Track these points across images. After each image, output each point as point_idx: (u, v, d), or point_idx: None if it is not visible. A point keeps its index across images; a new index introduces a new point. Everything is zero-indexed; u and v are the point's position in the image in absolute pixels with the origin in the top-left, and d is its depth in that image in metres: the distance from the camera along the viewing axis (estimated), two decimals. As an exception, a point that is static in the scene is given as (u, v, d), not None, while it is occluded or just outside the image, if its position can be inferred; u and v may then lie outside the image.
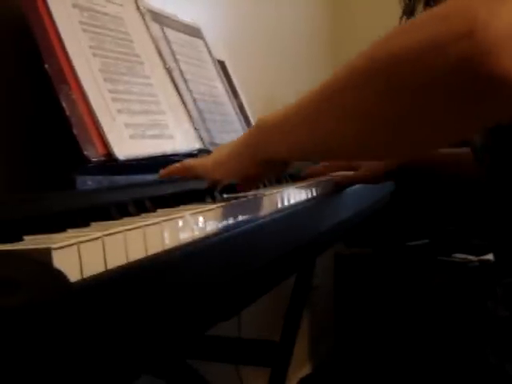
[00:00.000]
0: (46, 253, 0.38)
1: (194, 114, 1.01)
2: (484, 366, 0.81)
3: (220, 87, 1.20)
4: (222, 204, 0.63)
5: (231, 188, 0.86)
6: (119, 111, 0.81)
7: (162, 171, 0.74)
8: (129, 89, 0.85)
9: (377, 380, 2.12)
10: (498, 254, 0.85)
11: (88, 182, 0.72)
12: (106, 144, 0.76)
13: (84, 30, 0.81)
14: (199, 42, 1.20)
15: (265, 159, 0.64)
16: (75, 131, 0.73)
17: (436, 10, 0.48)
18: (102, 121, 0.77)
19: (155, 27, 1.02)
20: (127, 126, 0.81)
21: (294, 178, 1.02)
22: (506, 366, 0.78)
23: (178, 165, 0.74)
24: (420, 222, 2.22)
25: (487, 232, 0.85)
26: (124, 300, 0.42)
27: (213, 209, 0.60)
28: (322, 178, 1.01)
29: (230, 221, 0.63)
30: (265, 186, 0.92)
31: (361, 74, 0.51)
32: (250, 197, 0.71)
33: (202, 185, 0.80)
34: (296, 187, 0.86)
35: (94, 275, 0.41)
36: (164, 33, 1.05)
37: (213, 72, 1.20)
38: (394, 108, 0.49)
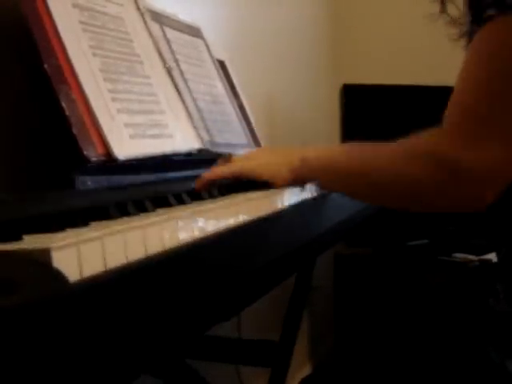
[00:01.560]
0: (46, 253, 0.38)
1: (194, 113, 1.01)
2: (486, 365, 0.82)
3: (220, 87, 1.20)
4: (222, 204, 0.63)
5: (231, 188, 0.86)
6: (119, 111, 0.81)
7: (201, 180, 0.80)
8: (128, 88, 0.85)
9: (377, 380, 2.12)
10: (502, 252, 0.85)
11: (88, 182, 0.72)
12: (105, 144, 0.76)
13: (84, 30, 0.81)
14: (199, 41, 1.20)
15: (301, 180, 0.84)
16: (75, 131, 0.73)
17: (432, 147, 0.68)
18: (101, 121, 0.76)
19: (155, 27, 1.02)
20: (127, 125, 0.81)
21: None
22: (507, 363, 0.79)
23: (223, 169, 0.84)
24: (420, 221, 2.22)
25: (490, 230, 0.87)
26: (123, 300, 0.42)
27: (213, 209, 0.60)
28: None
29: (230, 221, 0.63)
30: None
31: (378, 178, 0.76)
32: (249, 197, 0.71)
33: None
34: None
35: (94, 275, 0.41)
36: (164, 32, 1.05)
37: (213, 72, 1.20)
38: (397, 202, 0.78)
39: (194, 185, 0.78)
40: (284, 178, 0.82)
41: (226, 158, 0.88)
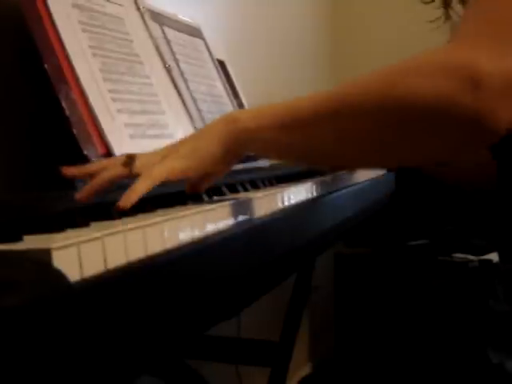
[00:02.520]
0: (46, 253, 0.38)
1: (194, 113, 1.01)
2: (485, 366, 0.82)
3: (220, 87, 1.20)
4: (222, 204, 0.63)
5: (231, 188, 0.86)
6: (119, 111, 0.81)
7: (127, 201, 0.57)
8: (128, 88, 0.85)
9: (377, 380, 2.12)
10: (501, 253, 0.85)
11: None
12: (105, 144, 0.76)
13: (84, 30, 0.81)
14: (199, 41, 1.20)
15: (240, 155, 0.66)
16: (75, 131, 0.73)
17: (443, 59, 0.55)
18: (101, 120, 0.77)
19: (155, 27, 1.02)
20: (127, 125, 0.81)
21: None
22: (506, 363, 0.79)
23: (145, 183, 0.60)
24: (420, 221, 2.22)
25: (490, 230, 0.87)
26: (124, 300, 0.42)
27: (213, 209, 0.60)
28: (323, 178, 1.01)
29: (230, 221, 0.63)
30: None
31: (371, 108, 0.56)
32: (249, 197, 0.71)
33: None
34: (296, 187, 0.86)
35: (94, 275, 0.41)
36: (164, 32, 1.05)
37: (213, 72, 1.20)
38: (401, 141, 0.57)
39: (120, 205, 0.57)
40: (217, 159, 0.64)
41: (127, 161, 0.63)
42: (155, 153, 0.65)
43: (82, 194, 0.59)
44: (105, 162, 0.66)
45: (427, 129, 0.55)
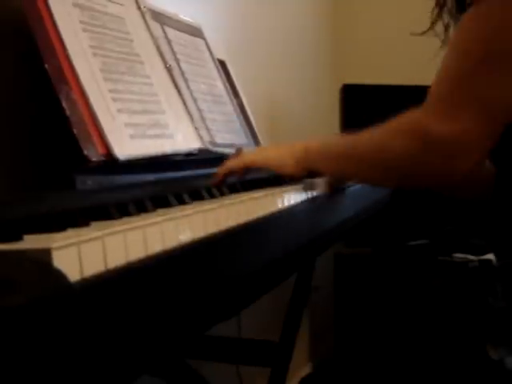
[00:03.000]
0: (46, 252, 0.38)
1: (195, 113, 1.01)
2: (485, 363, 0.83)
3: (220, 87, 1.20)
4: (223, 204, 0.63)
5: (231, 188, 0.86)
6: (119, 111, 0.81)
7: (219, 173, 0.89)
8: (129, 88, 0.85)
9: (377, 380, 2.12)
10: (499, 252, 0.86)
11: (88, 182, 0.72)
12: (106, 144, 0.76)
13: (84, 30, 0.81)
14: (200, 41, 1.20)
15: (305, 169, 0.91)
16: (75, 131, 0.73)
17: (412, 123, 0.75)
18: (102, 120, 0.76)
19: (156, 26, 1.02)
20: (127, 125, 0.81)
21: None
22: (505, 360, 0.79)
23: (237, 162, 0.91)
24: (420, 221, 2.22)
25: (488, 231, 0.88)
26: (124, 300, 0.42)
27: (213, 209, 0.60)
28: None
29: (230, 221, 0.63)
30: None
31: (369, 156, 0.83)
32: (250, 197, 0.71)
33: (201, 184, 0.80)
34: (296, 187, 0.87)
35: (94, 275, 0.41)
36: (164, 32, 1.05)
37: (213, 71, 1.20)
38: (381, 177, 0.84)
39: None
40: (289, 167, 0.89)
41: (237, 151, 0.95)
42: (255, 149, 1.03)
43: (215, 180, 0.87)
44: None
45: (403, 174, 0.79)
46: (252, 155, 0.94)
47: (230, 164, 0.90)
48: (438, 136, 0.70)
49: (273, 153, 0.93)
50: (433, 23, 0.92)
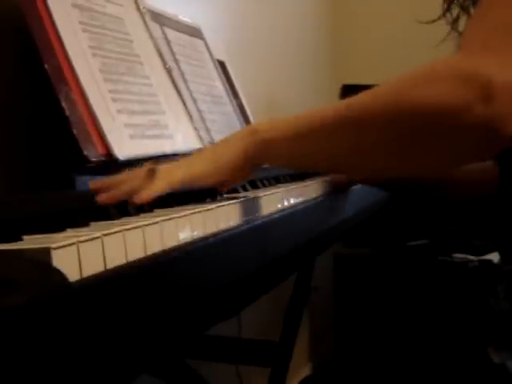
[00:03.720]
0: (46, 252, 0.38)
1: (194, 114, 1.01)
2: (486, 365, 0.82)
3: (220, 87, 1.20)
4: (222, 204, 0.63)
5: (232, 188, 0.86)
6: (119, 111, 0.81)
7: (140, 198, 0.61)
8: (128, 89, 0.85)
9: (377, 380, 2.12)
10: (503, 252, 0.86)
11: (88, 182, 0.72)
12: (105, 144, 0.76)
13: (84, 30, 0.81)
14: (199, 42, 1.20)
15: (259, 165, 0.69)
16: (75, 131, 0.73)
17: (454, 68, 0.55)
18: (101, 121, 0.77)
19: (155, 27, 1.02)
20: (127, 126, 0.81)
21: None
22: (507, 363, 0.79)
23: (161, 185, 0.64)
24: (420, 221, 2.22)
25: (491, 230, 0.88)
26: (123, 300, 0.42)
27: (212, 209, 0.60)
28: (323, 178, 1.01)
29: (230, 221, 0.63)
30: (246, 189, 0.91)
31: (383, 116, 0.57)
32: (249, 197, 0.71)
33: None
34: (296, 187, 0.87)
35: (94, 275, 0.41)
36: (164, 33, 1.05)
37: (213, 72, 1.20)
38: (413, 149, 0.58)
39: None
40: (235, 168, 0.67)
41: (151, 171, 0.65)
42: (176, 162, 0.68)
43: (102, 198, 0.61)
44: (128, 174, 0.67)
45: (439, 137, 0.55)
46: (179, 172, 0.66)
47: (152, 190, 0.62)
48: (500, 80, 0.52)
49: (206, 161, 0.67)
50: (444, 13, 0.88)
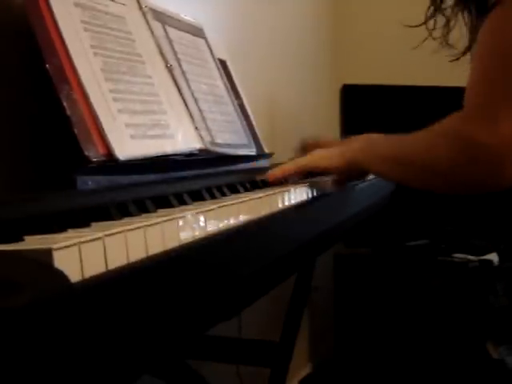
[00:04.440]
0: (47, 253, 0.38)
1: (195, 113, 1.01)
2: (485, 362, 0.83)
3: (221, 87, 1.20)
4: (223, 204, 0.63)
5: (231, 188, 0.86)
6: (120, 111, 0.81)
7: (273, 174, 0.94)
8: (130, 88, 0.85)
9: (377, 380, 2.12)
10: (501, 251, 0.87)
11: (88, 182, 0.72)
12: (106, 144, 0.76)
13: (85, 30, 0.81)
14: (201, 41, 1.20)
15: (358, 166, 0.94)
16: (76, 131, 0.72)
17: (451, 130, 0.76)
18: (102, 120, 0.76)
19: (157, 26, 1.01)
20: (128, 125, 0.81)
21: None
22: (506, 359, 0.80)
23: (290, 165, 0.96)
24: (420, 221, 2.22)
25: (490, 230, 0.91)
26: (125, 300, 0.42)
27: (213, 209, 0.60)
28: (324, 178, 1.02)
29: (231, 221, 0.63)
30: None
31: (419, 163, 0.83)
32: (250, 197, 0.71)
33: (202, 184, 0.80)
34: (295, 187, 0.87)
35: (95, 275, 0.41)
36: (166, 32, 1.05)
37: (214, 71, 1.20)
38: (427, 182, 0.85)
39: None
40: (337, 165, 0.94)
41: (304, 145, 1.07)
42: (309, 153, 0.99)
43: (271, 178, 0.94)
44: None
45: (446, 186, 0.81)
46: (306, 158, 0.97)
47: (286, 168, 0.94)
48: (481, 144, 0.69)
49: (322, 154, 0.97)
50: (426, 20, 0.93)
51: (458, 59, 0.94)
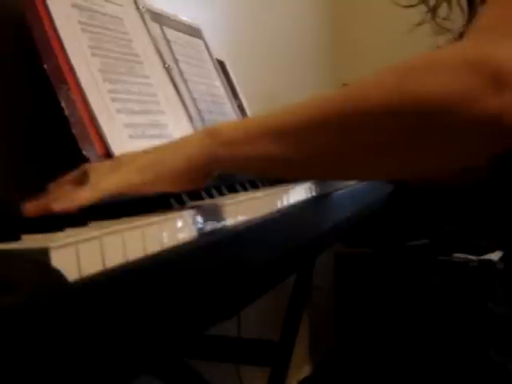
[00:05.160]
0: (44, 252, 0.38)
1: (194, 114, 1.01)
2: (487, 365, 0.82)
3: (219, 87, 1.20)
4: (221, 204, 0.63)
5: (230, 188, 0.86)
6: (118, 111, 0.81)
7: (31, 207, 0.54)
8: (128, 89, 0.85)
9: (377, 380, 2.12)
10: (501, 254, 0.86)
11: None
12: (105, 144, 0.76)
13: (83, 30, 0.81)
14: (199, 41, 1.20)
15: (211, 176, 0.59)
16: (74, 131, 0.73)
17: (462, 54, 0.49)
18: (101, 121, 0.76)
19: (155, 27, 1.02)
20: (126, 125, 0.81)
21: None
22: (509, 365, 0.79)
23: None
24: (420, 221, 2.22)
25: (491, 232, 0.87)
26: (122, 299, 0.42)
27: (212, 208, 0.60)
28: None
29: (229, 220, 0.63)
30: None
31: (384, 108, 0.50)
32: (249, 197, 0.71)
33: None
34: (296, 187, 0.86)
35: (93, 275, 0.41)
36: (164, 33, 1.05)
37: (212, 72, 1.20)
38: (415, 144, 0.50)
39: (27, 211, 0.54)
40: (178, 176, 0.57)
41: (81, 178, 0.59)
42: (112, 162, 0.60)
43: (30, 208, 0.54)
44: (58, 184, 0.60)
45: (445, 131, 0.49)
46: (109, 180, 0.57)
47: (76, 200, 0.54)
48: (507, 67, 0.46)
49: (143, 163, 0.58)
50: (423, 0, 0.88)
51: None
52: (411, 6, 0.91)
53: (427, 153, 0.51)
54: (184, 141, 0.58)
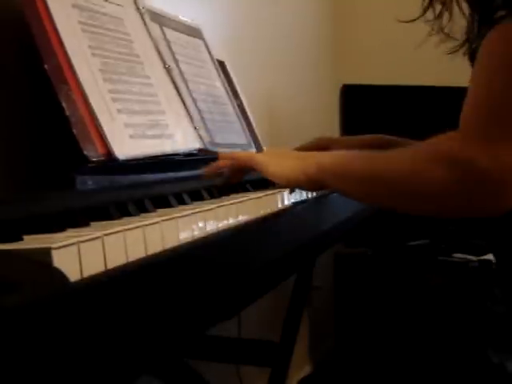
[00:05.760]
0: (46, 252, 0.38)
1: (194, 113, 1.01)
2: (485, 365, 0.82)
3: (220, 87, 1.20)
4: (222, 204, 0.63)
5: (231, 188, 0.86)
6: (119, 111, 0.81)
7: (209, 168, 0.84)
8: (128, 89, 0.85)
9: (377, 380, 2.12)
10: (499, 255, 0.86)
11: (88, 182, 0.72)
12: (105, 144, 0.76)
13: (83, 30, 0.81)
14: (199, 42, 1.20)
15: (319, 187, 0.81)
16: (75, 131, 0.73)
17: (447, 151, 0.65)
18: (101, 121, 0.77)
19: (155, 27, 1.02)
20: (127, 125, 0.81)
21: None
22: (506, 364, 0.79)
23: (233, 155, 0.87)
24: (420, 221, 2.22)
25: (488, 232, 0.87)
26: (124, 299, 0.42)
27: (213, 209, 0.60)
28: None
29: (230, 221, 0.63)
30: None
31: (400, 182, 0.72)
32: (249, 197, 0.71)
33: (201, 184, 0.80)
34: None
35: (94, 275, 0.41)
36: (164, 33, 1.05)
37: (213, 72, 1.20)
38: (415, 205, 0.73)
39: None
40: (297, 180, 0.79)
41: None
42: (271, 155, 0.85)
43: (207, 170, 0.84)
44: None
45: (441, 204, 0.69)
46: (255, 155, 0.86)
47: (228, 158, 0.85)
48: (481, 165, 0.62)
49: (279, 160, 0.82)
50: (424, 11, 0.90)
51: (456, 51, 0.88)
52: (413, 20, 0.92)
53: (425, 211, 0.74)
54: (305, 160, 0.81)
